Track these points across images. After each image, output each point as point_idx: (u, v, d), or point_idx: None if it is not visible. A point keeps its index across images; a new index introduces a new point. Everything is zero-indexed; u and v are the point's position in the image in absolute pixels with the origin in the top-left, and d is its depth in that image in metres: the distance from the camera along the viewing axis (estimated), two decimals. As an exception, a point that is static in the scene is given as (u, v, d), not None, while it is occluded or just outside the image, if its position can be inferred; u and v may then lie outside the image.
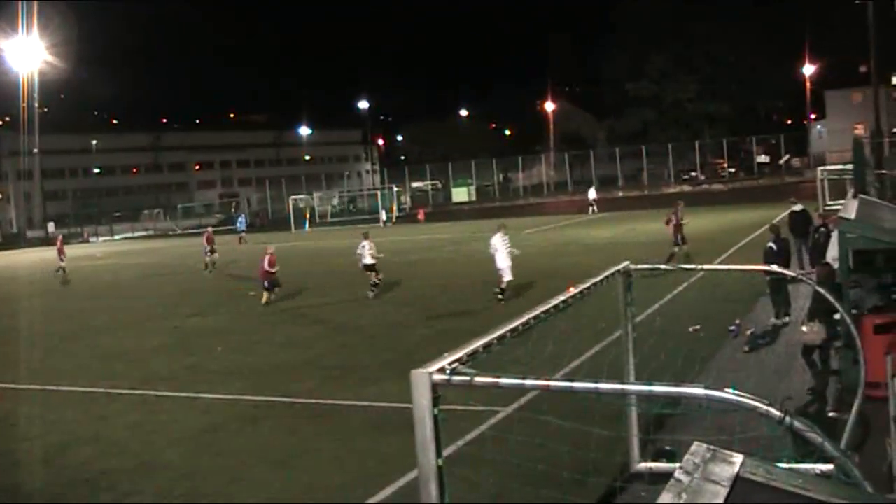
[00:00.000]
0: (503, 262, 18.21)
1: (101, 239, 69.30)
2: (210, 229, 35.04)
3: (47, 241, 67.78)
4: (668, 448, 7.73)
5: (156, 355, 15.32)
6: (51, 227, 75.21)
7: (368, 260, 20.53)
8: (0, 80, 58.78)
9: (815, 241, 15.25)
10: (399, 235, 41.09)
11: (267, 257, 20.78)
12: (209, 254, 30.31)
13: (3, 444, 10.48)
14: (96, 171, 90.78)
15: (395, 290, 21.13)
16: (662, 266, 7.82)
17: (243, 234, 45.82)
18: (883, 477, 6.16)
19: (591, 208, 47.57)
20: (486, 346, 4.66)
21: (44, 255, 49.29)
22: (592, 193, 49.69)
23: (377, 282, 20.49)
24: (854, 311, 9.24)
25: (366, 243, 20.59)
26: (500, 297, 17.85)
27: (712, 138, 73.91)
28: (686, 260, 19.75)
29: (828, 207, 19.84)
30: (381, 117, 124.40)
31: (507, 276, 18.10)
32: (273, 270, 20.68)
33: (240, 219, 48.96)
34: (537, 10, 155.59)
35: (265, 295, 20.66)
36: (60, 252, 31.88)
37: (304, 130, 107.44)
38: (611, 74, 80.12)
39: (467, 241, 35.58)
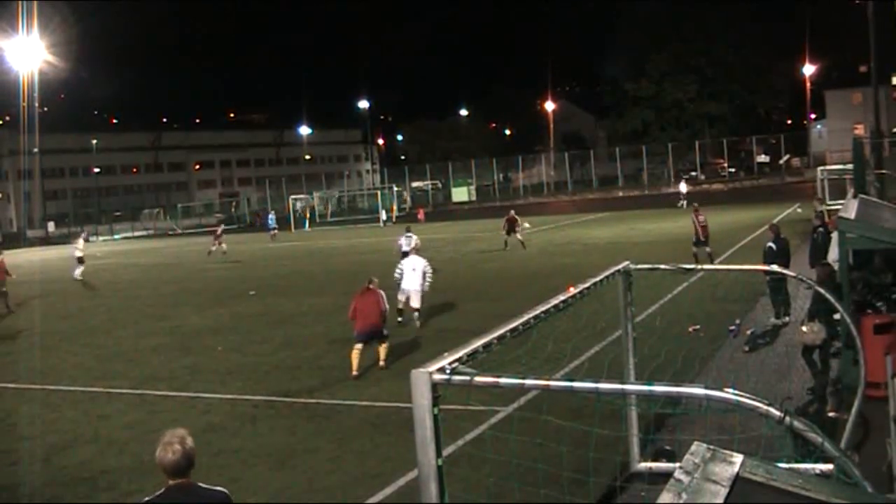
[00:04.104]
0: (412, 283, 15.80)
1: (100, 238, 69.21)
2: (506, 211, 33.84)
3: (47, 241, 67.79)
4: (667, 448, 7.72)
5: (155, 355, 15.29)
6: (50, 226, 75.16)
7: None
8: (0, 79, 58.76)
9: (814, 241, 15.26)
10: (399, 235, 41.02)
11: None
12: (512, 233, 30.21)
13: (3, 443, 10.46)
14: (96, 170, 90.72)
15: (394, 290, 21.08)
16: (662, 266, 7.82)
17: (275, 232, 46.85)
18: (883, 477, 6.15)
19: (682, 202, 46.23)
20: (486, 346, 4.65)
21: (44, 255, 49.29)
22: (683, 187, 49.86)
23: None
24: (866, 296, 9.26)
25: None
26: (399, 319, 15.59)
27: (712, 138, 73.99)
28: (708, 261, 19.50)
29: (829, 208, 19.81)
30: (381, 117, 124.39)
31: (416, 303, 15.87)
32: None
33: (270, 216, 49.94)
34: (537, 10, 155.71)
35: None
36: (217, 238, 36.06)
37: (304, 130, 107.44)
38: (611, 74, 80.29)
39: (467, 241, 35.60)
